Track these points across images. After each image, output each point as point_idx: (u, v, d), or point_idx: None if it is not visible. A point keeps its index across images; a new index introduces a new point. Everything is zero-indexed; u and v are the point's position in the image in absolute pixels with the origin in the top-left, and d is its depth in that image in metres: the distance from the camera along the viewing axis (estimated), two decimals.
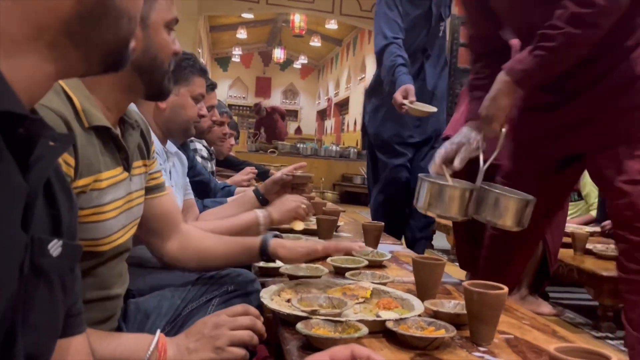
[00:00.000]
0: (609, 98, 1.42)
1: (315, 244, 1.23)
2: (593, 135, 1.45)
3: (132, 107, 1.03)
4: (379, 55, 2.70)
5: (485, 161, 1.41)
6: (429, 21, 2.79)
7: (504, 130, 1.40)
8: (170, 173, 1.62)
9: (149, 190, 1.09)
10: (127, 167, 0.92)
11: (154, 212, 1.11)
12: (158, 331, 0.85)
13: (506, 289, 0.95)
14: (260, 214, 1.51)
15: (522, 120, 1.58)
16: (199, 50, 9.83)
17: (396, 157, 2.89)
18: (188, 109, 1.56)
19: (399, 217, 2.93)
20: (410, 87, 2.41)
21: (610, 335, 2.26)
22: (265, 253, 1.18)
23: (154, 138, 1.51)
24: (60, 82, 0.79)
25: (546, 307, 2.51)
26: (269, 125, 9.91)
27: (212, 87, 2.20)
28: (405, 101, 2.35)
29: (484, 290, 0.93)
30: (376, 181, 3.10)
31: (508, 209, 1.34)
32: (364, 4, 9.65)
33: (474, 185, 1.38)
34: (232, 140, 3.37)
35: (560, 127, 1.51)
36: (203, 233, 1.24)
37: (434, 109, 2.48)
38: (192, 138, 2.39)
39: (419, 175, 1.42)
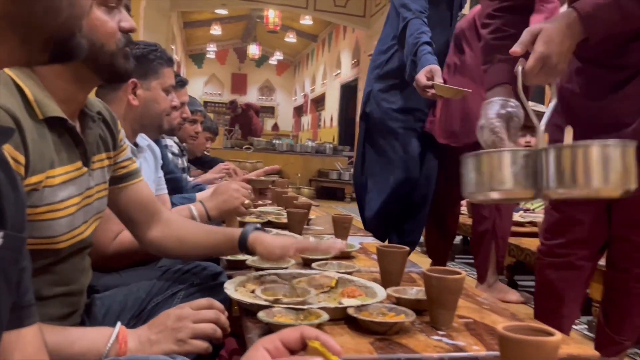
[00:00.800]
0: None
1: (293, 244, 1.17)
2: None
3: (95, 99, 1.02)
4: (401, 32, 2.33)
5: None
6: (448, 22, 2.51)
7: (554, 84, 1.08)
8: (140, 167, 1.61)
9: (120, 179, 1.08)
10: (86, 162, 0.91)
11: (130, 200, 1.10)
12: (118, 323, 0.85)
13: (464, 274, 0.97)
14: (193, 208, 1.49)
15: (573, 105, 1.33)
16: (172, 47, 9.72)
17: (406, 148, 2.49)
18: (161, 102, 1.55)
19: (396, 221, 2.60)
20: (436, 68, 2.08)
21: (576, 320, 2.32)
22: (244, 245, 1.16)
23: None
24: (11, 74, 0.78)
25: (514, 295, 2.57)
26: (244, 122, 9.87)
27: (182, 83, 2.19)
28: (432, 82, 2.02)
29: (442, 275, 0.95)
30: (370, 175, 2.61)
31: (607, 163, 0.87)
32: None
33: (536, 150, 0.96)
34: (208, 143, 3.37)
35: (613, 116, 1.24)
36: (185, 221, 1.24)
37: (469, 90, 2.07)
38: (163, 135, 2.37)
39: (463, 156, 1.02)
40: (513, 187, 0.95)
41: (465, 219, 3.31)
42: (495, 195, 0.97)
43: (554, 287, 1.45)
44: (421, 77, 2.06)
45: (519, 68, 1.05)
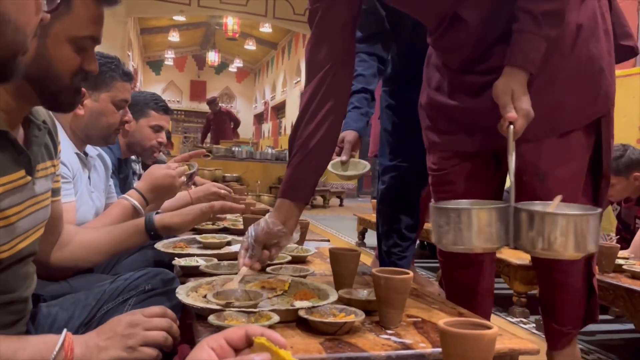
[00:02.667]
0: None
1: (202, 205, 1.25)
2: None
3: (40, 107, 1.00)
4: None
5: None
6: None
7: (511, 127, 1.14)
8: (89, 178, 1.58)
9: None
10: (30, 171, 0.89)
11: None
12: (64, 330, 0.84)
13: (411, 274, 1.01)
14: (129, 197, 1.46)
15: (442, 109, 1.40)
16: (129, 54, 9.55)
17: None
18: (108, 115, 1.54)
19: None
20: (349, 136, 1.70)
21: (523, 320, 2.41)
22: (151, 229, 1.19)
23: (68, 144, 1.48)
24: None
25: (432, 286, 2.61)
26: (217, 123, 9.76)
27: (165, 109, 2.20)
28: (334, 161, 1.69)
29: (390, 275, 0.98)
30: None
31: (563, 230, 0.98)
32: (297, 7, 9.72)
33: (508, 204, 1.07)
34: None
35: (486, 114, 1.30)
36: (80, 228, 1.24)
37: (365, 168, 1.81)
38: (133, 157, 2.32)
39: (431, 205, 1.14)
40: (483, 241, 1.04)
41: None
42: (459, 248, 1.06)
43: (458, 284, 1.51)
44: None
45: (511, 127, 1.13)
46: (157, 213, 1.26)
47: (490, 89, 1.21)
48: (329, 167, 1.67)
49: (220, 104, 9.94)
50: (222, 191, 1.86)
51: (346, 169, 1.81)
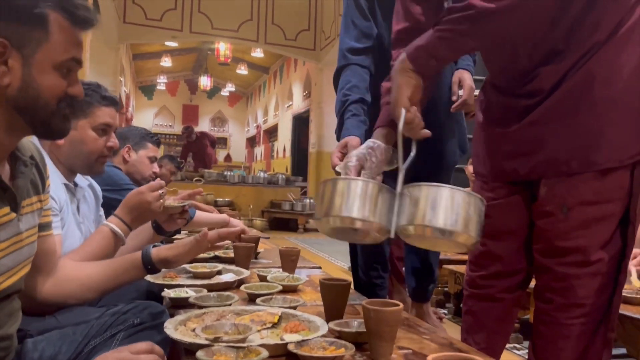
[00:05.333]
0: (567, 107, 1.20)
1: (197, 235, 1.25)
2: (547, 159, 1.24)
3: (28, 141, 1.00)
4: (335, 77, 2.02)
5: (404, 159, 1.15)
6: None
7: (403, 111, 1.17)
8: (78, 208, 1.57)
9: (39, 227, 1.05)
10: (15, 208, 0.89)
11: (38, 251, 1.07)
12: None
13: (401, 305, 1.00)
14: (111, 224, 1.43)
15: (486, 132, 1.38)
16: (121, 79, 9.59)
17: None
18: (89, 142, 1.51)
19: None
20: (353, 142, 1.68)
21: (517, 345, 2.40)
22: (148, 263, 1.19)
23: (56, 176, 1.47)
24: None
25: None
26: (197, 150, 9.78)
27: (158, 142, 2.47)
28: (340, 165, 1.58)
29: (380, 307, 0.97)
30: None
31: (449, 205, 0.98)
32: (288, 33, 9.85)
33: (393, 189, 1.07)
34: (172, 177, 3.58)
35: (522, 144, 1.28)
36: (78, 263, 1.22)
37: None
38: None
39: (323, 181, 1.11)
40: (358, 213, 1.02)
41: None
42: (333, 222, 1.05)
43: (477, 318, 1.46)
44: (334, 154, 1.66)
45: (403, 111, 1.17)
46: (154, 246, 1.25)
47: (532, 113, 1.22)
48: (339, 169, 1.65)
49: (194, 131, 9.94)
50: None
51: None
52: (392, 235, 1.05)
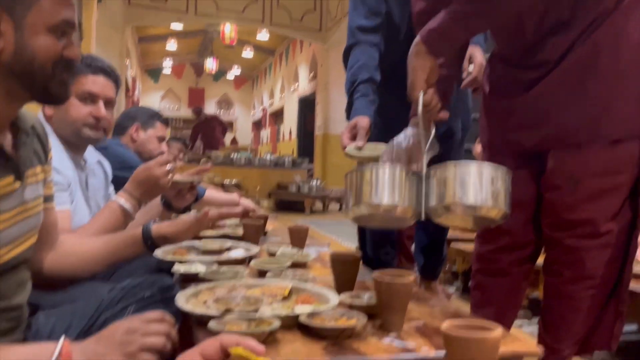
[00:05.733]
0: (575, 77, 1.20)
1: (198, 214, 1.24)
2: (556, 130, 1.24)
3: (28, 112, 0.99)
4: (344, 56, 1.98)
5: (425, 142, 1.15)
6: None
7: (420, 95, 1.18)
8: (87, 184, 1.57)
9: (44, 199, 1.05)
10: (19, 176, 0.89)
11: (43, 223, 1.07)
12: (62, 337, 0.83)
13: (413, 277, 1.00)
14: (120, 199, 1.44)
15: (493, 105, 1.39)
16: (127, 62, 9.56)
17: None
18: (71, 110, 1.47)
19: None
20: (363, 122, 1.68)
21: (526, 321, 2.40)
22: (149, 239, 1.19)
23: (62, 151, 1.46)
24: None
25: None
26: (206, 132, 9.78)
27: (166, 122, 2.48)
28: (351, 146, 1.64)
29: (391, 279, 0.97)
30: None
31: (477, 181, 0.98)
32: (294, 13, 9.76)
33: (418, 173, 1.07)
34: (180, 155, 3.61)
35: (530, 115, 1.28)
36: (78, 238, 1.22)
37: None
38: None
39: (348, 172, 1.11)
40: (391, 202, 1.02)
41: None
42: (366, 209, 1.05)
43: (485, 292, 1.46)
44: (344, 135, 1.68)
45: (421, 95, 1.18)
46: (154, 222, 1.24)
47: (539, 84, 1.21)
48: (349, 151, 1.66)
49: (204, 112, 9.92)
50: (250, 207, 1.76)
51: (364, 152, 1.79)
52: (423, 218, 1.04)
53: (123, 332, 0.87)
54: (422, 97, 1.18)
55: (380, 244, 2.19)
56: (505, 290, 1.44)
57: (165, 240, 1.24)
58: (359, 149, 1.70)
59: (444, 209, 1.01)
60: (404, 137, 1.26)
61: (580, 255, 1.25)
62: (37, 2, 0.85)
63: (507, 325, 1.45)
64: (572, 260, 1.27)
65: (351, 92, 1.85)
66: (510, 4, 1.15)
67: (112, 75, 1.56)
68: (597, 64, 1.17)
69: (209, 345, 0.53)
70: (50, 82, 0.89)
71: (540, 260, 2.29)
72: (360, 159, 1.68)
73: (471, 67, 1.98)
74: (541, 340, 1.37)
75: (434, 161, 1.11)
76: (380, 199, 1.02)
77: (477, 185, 0.98)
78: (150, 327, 0.89)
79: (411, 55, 1.21)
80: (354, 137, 1.73)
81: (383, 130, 2.06)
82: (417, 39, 1.20)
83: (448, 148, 2.04)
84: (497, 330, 0.69)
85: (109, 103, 1.55)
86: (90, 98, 1.50)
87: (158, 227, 1.22)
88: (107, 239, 1.25)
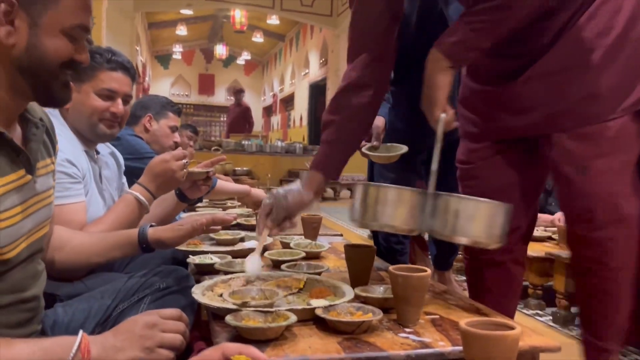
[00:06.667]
0: (562, 62, 1.21)
1: (194, 220, 1.23)
2: (545, 114, 1.24)
3: (36, 104, 0.99)
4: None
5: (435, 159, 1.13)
6: None
7: (443, 115, 1.15)
8: (100, 176, 1.58)
9: None
10: (30, 169, 0.89)
11: None
12: (80, 331, 0.83)
13: (429, 271, 0.99)
14: (135, 192, 1.43)
15: (474, 96, 1.40)
16: (137, 48, 9.56)
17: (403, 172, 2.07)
18: (89, 106, 1.48)
19: None
20: (378, 122, 1.65)
21: (539, 312, 2.39)
22: (144, 242, 1.19)
23: (76, 143, 1.47)
24: None
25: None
26: (232, 116, 9.81)
27: (178, 111, 2.46)
28: (366, 146, 1.63)
29: (407, 273, 0.97)
30: None
31: (477, 217, 1.04)
32: None
33: (426, 191, 1.10)
34: (191, 143, 3.61)
35: (517, 101, 1.28)
36: (73, 232, 1.22)
37: (404, 149, 1.75)
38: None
39: (358, 182, 1.17)
40: (391, 219, 1.08)
41: None
42: (371, 224, 1.12)
43: (482, 286, 1.45)
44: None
45: (442, 116, 1.15)
46: (151, 226, 1.24)
47: (524, 72, 1.21)
48: (365, 151, 1.67)
49: (242, 100, 9.91)
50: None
51: (379, 153, 1.82)
52: (426, 237, 1.09)
53: (142, 326, 0.87)
54: (444, 118, 1.14)
55: (392, 234, 2.18)
56: (500, 281, 1.43)
57: (161, 244, 1.22)
58: (375, 148, 1.69)
59: (446, 237, 1.08)
60: (283, 192, 1.27)
61: (607, 247, 1.21)
62: (55, 4, 0.85)
63: (510, 312, 1.44)
64: (599, 253, 1.23)
65: None
66: (523, 7, 1.14)
67: (130, 71, 1.56)
68: (585, 47, 1.18)
69: (210, 354, 0.53)
70: (54, 82, 0.89)
71: (551, 249, 2.28)
72: (375, 158, 1.68)
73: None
74: (584, 339, 1.32)
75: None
76: (389, 219, 1.08)
77: (476, 221, 1.04)
78: (168, 323, 0.89)
79: (432, 72, 1.17)
80: (369, 138, 1.72)
81: (395, 129, 2.05)
82: (437, 54, 1.16)
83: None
84: (517, 329, 0.69)
85: (127, 98, 1.55)
86: (108, 94, 1.50)
87: (154, 231, 1.21)
88: (103, 236, 1.25)
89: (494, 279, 1.43)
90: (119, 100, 1.52)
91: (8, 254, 0.84)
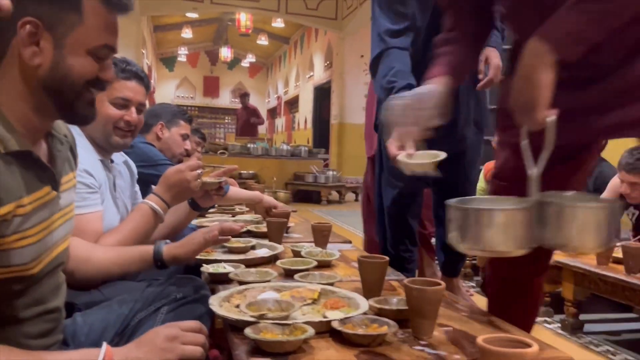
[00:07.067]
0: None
1: (205, 233, 1.27)
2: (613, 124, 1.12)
3: (60, 121, 1.01)
4: (372, 66, 1.91)
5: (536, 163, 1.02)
6: None
7: (552, 117, 1.01)
8: (114, 185, 1.60)
9: None
10: (56, 186, 0.91)
11: None
12: (104, 344, 0.85)
13: (443, 285, 1.01)
14: (152, 203, 1.45)
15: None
16: (143, 51, 9.60)
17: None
18: (104, 114, 1.49)
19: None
20: (407, 135, 1.55)
21: (548, 319, 2.40)
22: (159, 259, 1.22)
23: (92, 152, 1.49)
24: None
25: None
26: (245, 119, 9.84)
27: (189, 119, 2.49)
28: (401, 155, 1.50)
29: (422, 286, 0.98)
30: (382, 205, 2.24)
31: (588, 224, 0.96)
32: (310, 2, 9.70)
33: (529, 200, 1.01)
34: (199, 148, 3.67)
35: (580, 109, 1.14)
36: (92, 247, 1.25)
37: (442, 155, 1.62)
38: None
39: (447, 202, 1.06)
40: (502, 244, 0.98)
41: None
42: (476, 251, 1.03)
43: (503, 298, 1.42)
44: (391, 145, 1.45)
45: (551, 119, 1.02)
46: (166, 243, 1.27)
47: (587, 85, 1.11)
48: (401, 159, 1.50)
49: (247, 102, 9.93)
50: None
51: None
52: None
53: (163, 339, 0.89)
54: (553, 120, 1.01)
55: (400, 241, 2.20)
56: (524, 297, 1.41)
57: (176, 261, 1.26)
58: (410, 157, 1.63)
59: (562, 249, 1.03)
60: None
61: None
62: (80, 24, 0.86)
63: (530, 325, 1.43)
64: None
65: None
66: None
67: (144, 80, 1.58)
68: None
69: None
70: (78, 101, 0.89)
71: (560, 257, 2.29)
72: (413, 167, 1.59)
73: (483, 68, 1.95)
74: None
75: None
76: (498, 245, 0.98)
77: (591, 231, 0.97)
78: (189, 336, 0.92)
79: (533, 68, 1.03)
80: (401, 146, 1.60)
81: None
82: (540, 47, 1.02)
83: (459, 153, 2.00)
84: (534, 346, 0.70)
85: (141, 107, 1.57)
86: (123, 103, 1.52)
87: (169, 249, 1.24)
88: (120, 252, 1.27)
89: (519, 295, 1.40)
90: (133, 109, 1.54)
91: (33, 269, 0.85)
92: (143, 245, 1.31)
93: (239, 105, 16.56)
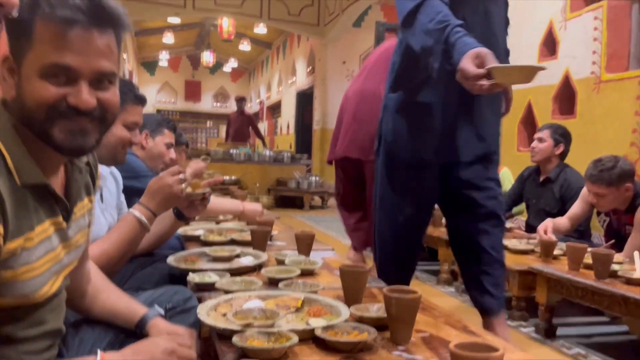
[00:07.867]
0: None
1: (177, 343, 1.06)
2: None
3: None
4: (408, 18, 1.70)
5: None
6: None
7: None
8: (102, 196, 1.63)
9: None
10: (67, 217, 0.90)
11: None
12: (99, 351, 0.89)
13: (420, 293, 1.07)
14: (137, 212, 1.47)
15: None
16: (125, 56, 9.55)
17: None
18: (117, 134, 1.58)
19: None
20: (485, 51, 1.46)
21: (523, 323, 2.48)
22: (142, 326, 1.11)
23: None
24: None
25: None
26: (239, 124, 9.79)
27: (173, 127, 2.50)
28: (487, 68, 1.42)
29: (400, 295, 1.04)
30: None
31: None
32: (292, 8, 9.77)
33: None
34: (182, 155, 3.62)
35: None
36: (102, 282, 1.18)
37: (543, 67, 1.48)
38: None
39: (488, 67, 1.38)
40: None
41: None
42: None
43: None
44: (468, 65, 1.43)
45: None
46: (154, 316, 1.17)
47: None
48: (495, 65, 1.45)
49: (244, 107, 9.83)
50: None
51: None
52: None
53: (162, 351, 0.93)
54: None
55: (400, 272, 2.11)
56: None
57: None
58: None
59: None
60: None
61: None
62: (30, 49, 0.80)
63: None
64: None
65: (446, 36, 1.57)
66: None
67: (145, 102, 1.73)
68: None
69: None
70: (52, 129, 0.81)
71: (528, 261, 2.37)
72: (511, 71, 1.47)
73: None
74: None
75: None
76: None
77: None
78: (184, 351, 0.96)
79: None
80: (479, 65, 1.48)
81: (398, 137, 1.93)
82: None
83: (484, 155, 1.93)
84: (500, 350, 0.77)
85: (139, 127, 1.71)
86: (132, 126, 1.64)
87: (151, 326, 1.11)
88: (120, 294, 1.19)
89: None
90: (137, 131, 1.67)
91: (39, 298, 0.86)
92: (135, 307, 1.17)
93: (221, 110, 16.68)
